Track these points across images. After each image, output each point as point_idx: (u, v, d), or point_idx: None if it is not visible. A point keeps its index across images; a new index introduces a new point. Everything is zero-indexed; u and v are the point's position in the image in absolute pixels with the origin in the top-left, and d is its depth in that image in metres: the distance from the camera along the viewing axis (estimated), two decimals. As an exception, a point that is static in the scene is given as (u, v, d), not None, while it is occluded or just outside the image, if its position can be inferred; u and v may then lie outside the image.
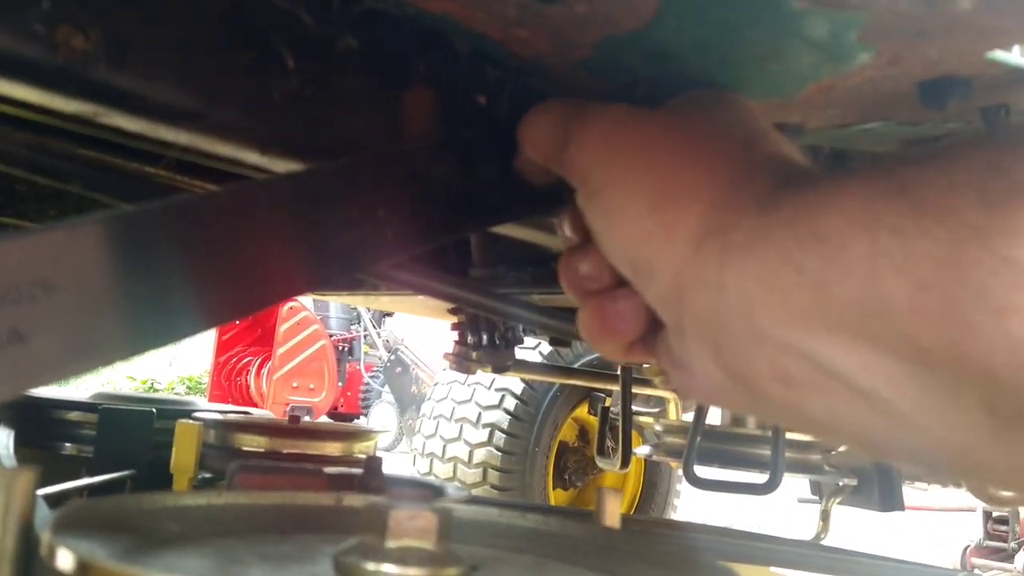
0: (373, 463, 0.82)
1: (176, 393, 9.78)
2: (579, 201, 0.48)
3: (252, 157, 0.54)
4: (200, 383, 10.17)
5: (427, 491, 0.83)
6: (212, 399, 7.65)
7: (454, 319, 1.31)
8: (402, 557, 0.37)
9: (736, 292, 0.38)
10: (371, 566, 0.36)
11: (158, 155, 0.69)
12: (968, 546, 4.52)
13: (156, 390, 9.98)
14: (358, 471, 0.84)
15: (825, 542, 1.36)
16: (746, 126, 0.47)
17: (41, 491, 0.85)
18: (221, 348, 8.36)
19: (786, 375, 0.37)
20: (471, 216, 0.56)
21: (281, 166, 0.55)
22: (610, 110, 0.48)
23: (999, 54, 0.50)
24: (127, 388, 9.40)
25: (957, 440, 0.34)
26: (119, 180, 0.71)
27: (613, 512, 0.52)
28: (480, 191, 0.55)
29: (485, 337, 1.21)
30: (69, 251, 0.35)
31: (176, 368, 11.31)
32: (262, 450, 1.04)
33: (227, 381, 8.33)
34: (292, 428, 1.09)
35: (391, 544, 0.37)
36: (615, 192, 0.45)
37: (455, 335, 1.29)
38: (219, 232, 0.42)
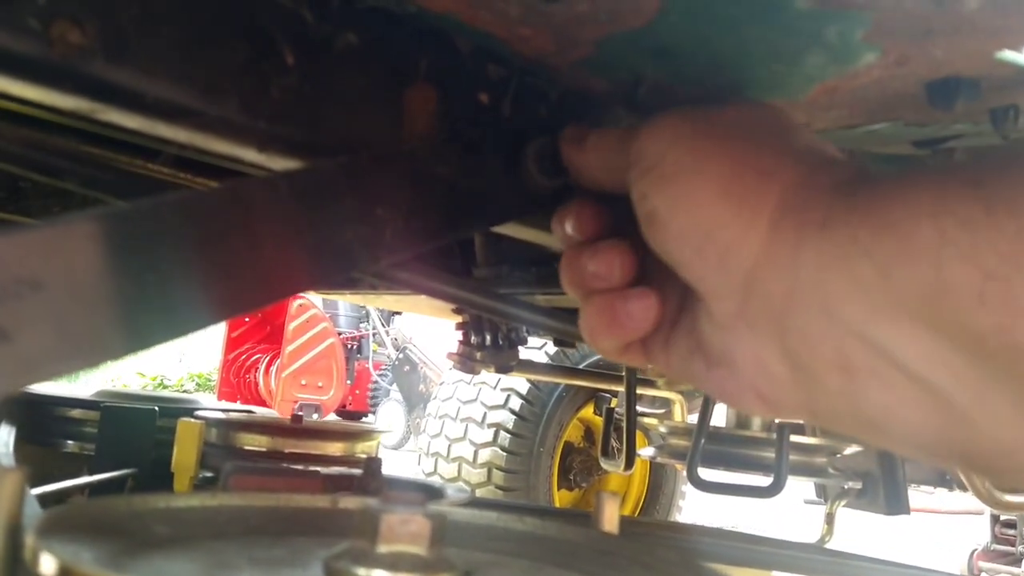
0: (373, 464, 0.82)
1: (185, 390, 9.82)
2: (641, 188, 0.46)
3: (250, 155, 0.53)
4: (210, 380, 10.20)
5: (423, 494, 0.82)
6: (221, 396, 7.68)
7: (459, 319, 1.31)
8: (393, 562, 0.36)
9: (811, 271, 0.39)
10: (361, 571, 0.35)
11: (157, 152, 0.68)
12: (975, 550, 4.51)
13: (165, 386, 10.02)
14: (357, 472, 0.83)
15: (830, 545, 1.35)
16: (809, 131, 0.48)
17: (39, 489, 0.85)
18: (230, 345, 8.37)
19: (849, 362, 0.38)
20: (473, 215, 0.56)
21: (280, 164, 0.54)
22: (679, 109, 0.48)
23: (1008, 54, 0.50)
24: (136, 384, 9.44)
25: (1008, 437, 0.35)
26: (118, 177, 0.70)
27: (612, 516, 0.51)
28: (482, 190, 0.55)
29: (489, 337, 1.21)
30: (58, 249, 0.35)
31: (186, 364, 11.35)
32: (264, 449, 1.04)
33: (236, 378, 8.35)
34: (294, 428, 1.09)
35: (383, 549, 0.36)
36: (691, 174, 0.44)
37: (460, 335, 1.29)
38: (213, 230, 0.41)
